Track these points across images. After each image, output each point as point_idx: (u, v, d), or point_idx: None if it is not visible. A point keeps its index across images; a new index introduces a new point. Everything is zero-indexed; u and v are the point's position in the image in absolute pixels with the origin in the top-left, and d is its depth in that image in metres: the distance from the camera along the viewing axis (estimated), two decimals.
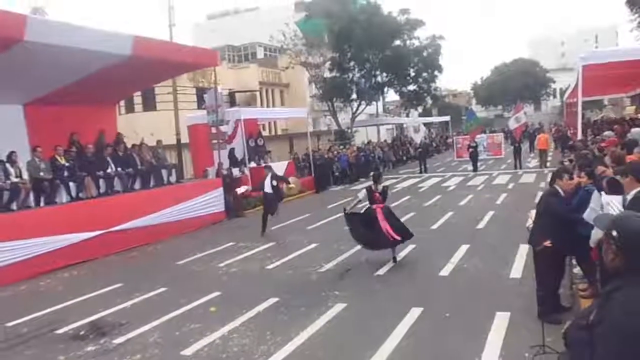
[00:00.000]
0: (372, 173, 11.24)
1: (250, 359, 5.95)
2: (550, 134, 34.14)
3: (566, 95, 32.06)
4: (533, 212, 6.90)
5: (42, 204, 12.47)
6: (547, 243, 5.90)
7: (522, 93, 67.78)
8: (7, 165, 12.06)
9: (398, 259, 9.82)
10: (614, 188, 5.46)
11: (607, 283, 2.53)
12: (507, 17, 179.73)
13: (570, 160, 10.45)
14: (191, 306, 8.05)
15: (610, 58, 15.00)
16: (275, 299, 8.03)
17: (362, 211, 10.42)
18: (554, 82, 73.60)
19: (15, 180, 12.00)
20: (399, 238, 9.51)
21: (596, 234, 5.18)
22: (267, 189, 13.84)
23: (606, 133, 14.70)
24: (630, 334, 2.08)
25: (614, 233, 2.39)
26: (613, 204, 5.14)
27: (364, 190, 10.20)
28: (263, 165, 21.84)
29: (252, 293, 8.47)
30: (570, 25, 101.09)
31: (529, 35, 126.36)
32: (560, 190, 6.27)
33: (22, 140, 13.63)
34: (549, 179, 6.67)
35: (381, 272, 9.24)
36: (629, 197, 5.20)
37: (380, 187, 10.08)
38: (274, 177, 14.14)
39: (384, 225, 9.49)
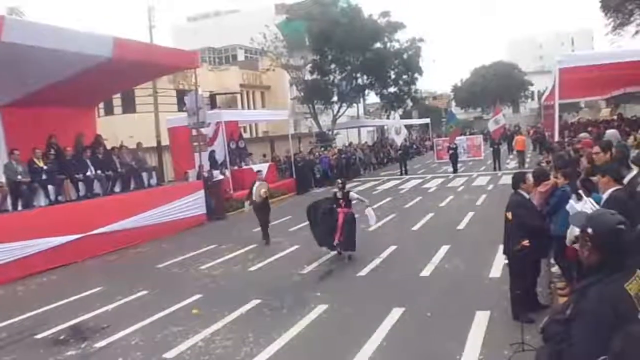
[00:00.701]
0: (338, 180, 11.60)
1: None
2: (528, 136, 34.63)
3: (543, 97, 32.58)
4: None
5: (20, 207, 12.28)
6: (525, 243, 5.98)
7: (501, 95, 68.58)
8: None
9: (379, 260, 9.95)
10: (588, 188, 5.59)
11: (582, 279, 2.61)
12: (486, 19, 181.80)
13: (548, 162, 10.65)
14: (173, 309, 8.01)
15: (586, 61, 15.30)
16: (257, 301, 8.04)
17: (324, 208, 10.70)
18: (532, 84, 74.61)
19: None
20: (337, 241, 10.14)
21: (571, 233, 5.30)
22: (255, 196, 12.78)
23: (582, 135, 14.96)
24: (603, 320, 2.16)
25: (589, 230, 2.47)
26: (589, 204, 5.25)
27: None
28: (244, 167, 21.90)
29: (235, 295, 8.46)
30: (548, 28, 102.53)
31: (508, 37, 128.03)
32: (525, 195, 6.37)
33: None
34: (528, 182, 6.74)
35: (362, 272, 9.30)
36: (604, 196, 5.34)
37: (344, 193, 10.57)
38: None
39: (339, 228, 10.13)
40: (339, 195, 10.56)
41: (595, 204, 5.24)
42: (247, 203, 13.44)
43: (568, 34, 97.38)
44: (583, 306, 2.29)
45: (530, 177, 6.52)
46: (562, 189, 6.49)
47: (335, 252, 10.55)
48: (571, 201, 5.64)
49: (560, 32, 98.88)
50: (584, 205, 5.34)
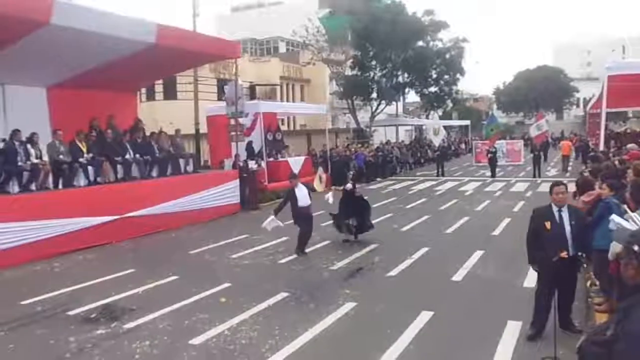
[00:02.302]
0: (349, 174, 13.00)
1: (258, 353, 5.95)
2: (572, 144, 33.74)
3: (590, 105, 31.62)
4: None
5: (60, 186, 12.61)
6: (564, 254, 5.77)
7: (544, 101, 66.98)
8: (28, 146, 12.22)
9: (410, 261, 9.88)
10: (638, 201, 5.37)
11: (625, 298, 2.48)
12: (533, 22, 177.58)
13: (590, 171, 10.29)
14: (201, 296, 8.08)
15: (637, 69, 14.76)
16: (285, 294, 8.03)
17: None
18: (578, 91, 72.49)
19: (36, 161, 12.16)
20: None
21: (615, 247, 5.09)
22: (303, 202, 10.80)
23: (629, 146, 14.45)
24: None
25: (636, 248, 2.34)
26: (635, 219, 5.03)
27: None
28: (280, 159, 21.95)
29: (263, 286, 8.47)
30: (597, 34, 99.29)
31: (554, 42, 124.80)
32: (553, 206, 5.99)
33: (43, 122, 13.84)
34: (569, 189, 6.49)
35: (393, 273, 9.19)
36: None
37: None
38: (310, 188, 11.73)
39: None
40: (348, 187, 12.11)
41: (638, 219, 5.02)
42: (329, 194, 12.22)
43: (619, 40, 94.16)
44: (628, 328, 2.17)
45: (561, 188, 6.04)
46: (606, 201, 6.25)
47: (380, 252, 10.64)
48: (614, 215, 5.42)
49: (611, 37, 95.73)
50: (630, 220, 5.13)
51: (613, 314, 2.77)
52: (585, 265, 5.72)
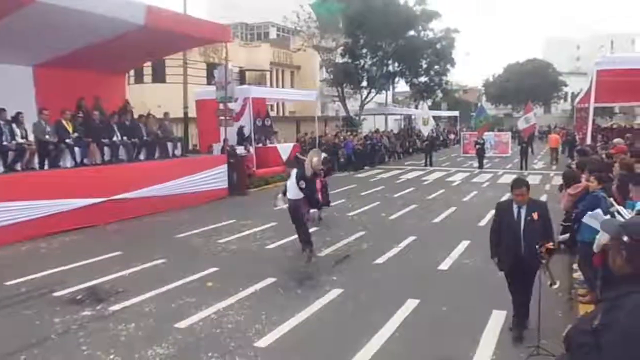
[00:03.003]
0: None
1: (244, 337, 5.97)
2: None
3: (577, 99, 31.85)
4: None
5: (46, 166, 12.47)
6: (549, 245, 5.74)
7: (533, 94, 67.27)
8: (14, 125, 12.04)
9: (397, 249, 9.94)
10: (624, 194, 5.43)
11: (612, 289, 2.50)
12: (523, 15, 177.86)
13: (577, 164, 10.38)
14: (188, 279, 8.07)
15: (626, 64, 14.84)
16: (272, 279, 8.04)
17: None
18: (566, 85, 72.86)
19: (21, 141, 12.00)
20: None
21: (599, 239, 5.15)
22: (290, 193, 9.51)
23: (615, 140, 14.59)
24: (639, 332, 2.06)
25: (625, 238, 2.35)
26: (622, 212, 5.09)
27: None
28: (269, 145, 21.87)
29: (250, 271, 8.48)
30: (588, 29, 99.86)
31: (544, 35, 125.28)
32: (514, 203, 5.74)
33: (29, 101, 13.63)
34: (555, 182, 6.54)
35: (380, 260, 9.24)
36: (638, 206, 5.18)
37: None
38: (301, 176, 9.50)
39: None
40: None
41: (626, 212, 5.08)
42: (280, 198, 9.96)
43: (608, 35, 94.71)
44: (616, 317, 2.19)
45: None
46: (594, 194, 6.32)
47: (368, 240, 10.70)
48: (591, 213, 5.47)
49: (600, 33, 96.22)
50: (616, 213, 5.19)
51: (597, 305, 2.80)
52: (544, 261, 5.42)
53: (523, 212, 5.66)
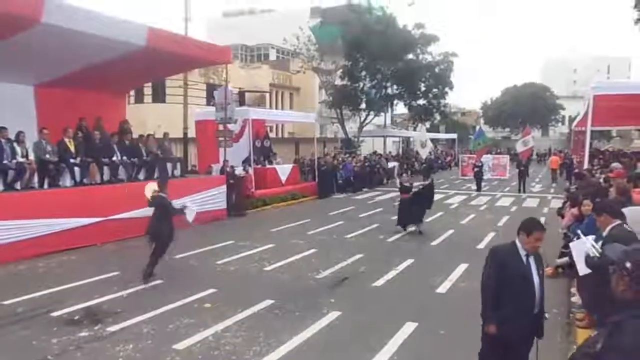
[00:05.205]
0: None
1: (242, 359, 5.94)
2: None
3: (575, 123, 32.09)
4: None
5: (46, 186, 12.47)
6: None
7: (531, 117, 67.75)
8: (15, 144, 12.08)
9: (395, 272, 9.96)
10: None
11: (613, 313, 2.53)
12: (521, 39, 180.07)
13: (577, 188, 10.45)
14: (186, 301, 8.04)
15: (622, 90, 15.04)
16: (270, 301, 8.02)
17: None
18: (564, 109, 73.54)
19: (21, 160, 12.02)
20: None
21: (582, 263, 5.27)
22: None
23: (614, 164, 14.69)
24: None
25: (627, 265, 2.39)
26: (588, 242, 5.21)
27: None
28: (268, 166, 21.93)
29: (248, 293, 8.46)
30: (585, 53, 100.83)
31: (542, 59, 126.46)
32: (519, 247, 4.44)
33: (30, 120, 13.69)
34: (553, 205, 6.59)
35: (378, 283, 9.22)
36: (604, 233, 5.31)
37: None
38: (162, 205, 9.93)
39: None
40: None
41: (593, 242, 5.19)
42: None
43: (605, 59, 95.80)
44: (619, 340, 2.22)
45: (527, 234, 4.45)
46: (592, 217, 6.37)
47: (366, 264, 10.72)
48: (583, 236, 5.54)
49: (597, 57, 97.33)
50: (586, 239, 5.30)
51: (595, 329, 2.83)
52: (547, 317, 4.59)
53: (532, 262, 4.39)
